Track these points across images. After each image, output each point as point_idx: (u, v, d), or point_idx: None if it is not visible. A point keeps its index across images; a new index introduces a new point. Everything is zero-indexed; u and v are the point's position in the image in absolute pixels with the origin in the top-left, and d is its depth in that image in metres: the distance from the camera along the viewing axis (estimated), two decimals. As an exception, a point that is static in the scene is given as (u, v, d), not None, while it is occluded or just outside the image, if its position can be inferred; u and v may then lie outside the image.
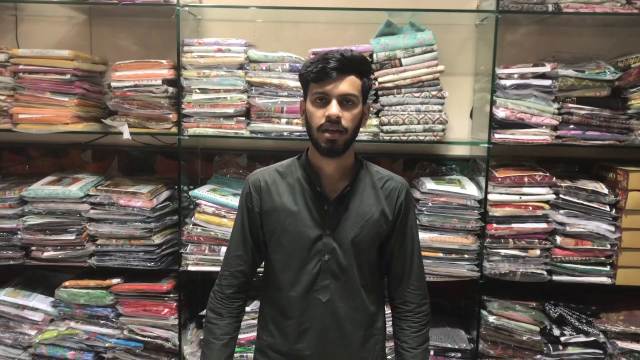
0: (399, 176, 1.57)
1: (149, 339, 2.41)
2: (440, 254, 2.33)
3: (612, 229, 2.29)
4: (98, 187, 2.44)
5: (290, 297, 1.49)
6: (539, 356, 2.33)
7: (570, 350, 2.32)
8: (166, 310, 2.39)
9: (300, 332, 1.50)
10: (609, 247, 2.30)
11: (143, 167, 2.76)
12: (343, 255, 1.47)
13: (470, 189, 2.36)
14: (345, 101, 1.40)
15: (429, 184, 2.37)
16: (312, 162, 1.50)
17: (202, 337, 2.41)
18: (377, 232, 1.50)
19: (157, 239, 2.39)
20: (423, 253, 2.24)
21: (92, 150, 2.76)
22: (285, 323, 1.51)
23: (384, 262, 1.56)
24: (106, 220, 2.40)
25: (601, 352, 2.32)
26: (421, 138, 2.35)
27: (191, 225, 2.39)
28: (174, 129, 2.40)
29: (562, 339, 2.31)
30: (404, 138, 2.35)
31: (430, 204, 2.33)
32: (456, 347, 2.38)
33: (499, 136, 2.33)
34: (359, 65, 1.42)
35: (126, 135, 2.38)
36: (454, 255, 2.33)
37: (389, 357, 1.64)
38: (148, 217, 2.38)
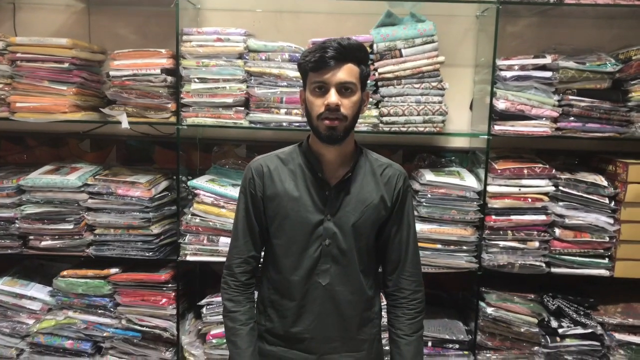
0: (397, 164, 1.59)
1: (147, 329, 2.41)
2: (439, 246, 2.33)
3: (611, 221, 2.30)
4: (96, 177, 2.43)
5: (291, 281, 1.51)
6: (536, 348, 2.34)
7: (568, 342, 2.33)
8: (164, 300, 2.39)
9: (300, 316, 1.52)
10: (607, 239, 2.30)
11: (142, 157, 2.75)
12: (343, 239, 1.49)
13: (470, 180, 2.36)
14: (343, 89, 1.41)
15: (428, 176, 2.37)
16: (313, 149, 1.51)
17: (199, 327, 2.44)
18: (377, 217, 1.52)
19: (156, 229, 2.39)
20: (422, 244, 2.27)
21: (91, 139, 2.75)
22: (285, 307, 1.53)
23: (380, 249, 1.57)
24: (104, 210, 2.39)
25: (598, 344, 2.32)
26: (421, 129, 2.34)
27: (190, 216, 2.38)
28: (173, 119, 2.39)
29: (560, 330, 2.32)
30: (403, 129, 2.34)
31: (429, 196, 2.33)
32: (454, 338, 2.38)
33: (498, 128, 2.32)
34: (356, 52, 1.43)
35: (125, 124, 2.37)
36: (452, 247, 2.33)
37: (385, 348, 1.65)
38: (146, 207, 2.37)
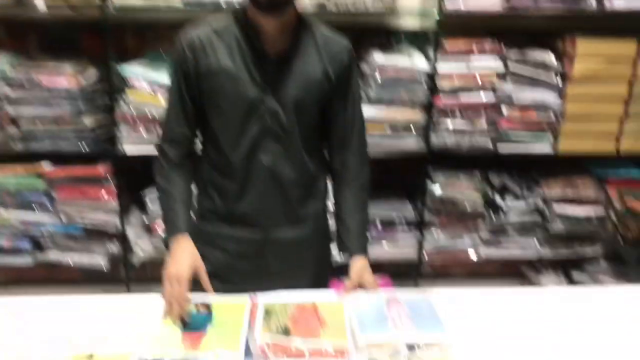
0: (343, 38, 1.47)
1: (89, 225, 2.34)
2: (388, 129, 2.29)
3: (558, 98, 2.30)
4: (16, 66, 2.20)
5: (231, 161, 1.43)
6: (481, 224, 2.42)
7: (512, 216, 2.41)
8: (105, 194, 2.30)
9: (242, 195, 1.47)
10: (553, 117, 2.32)
11: (66, 44, 2.50)
12: (285, 116, 1.40)
13: (420, 61, 2.28)
14: None
15: (378, 57, 2.27)
16: (251, 20, 1.36)
17: (144, 218, 2.38)
18: (320, 93, 1.43)
19: (89, 122, 2.24)
20: (370, 129, 2.21)
21: (6, 25, 2.47)
22: (227, 187, 1.47)
23: (325, 126, 1.50)
24: (28, 101, 2.20)
25: (540, 217, 2.42)
26: (370, 8, 2.21)
27: (124, 105, 2.23)
28: (98, 0, 2.15)
29: (504, 206, 2.39)
30: (352, 9, 2.21)
31: (378, 78, 2.25)
32: (402, 217, 2.43)
33: (449, 6, 2.21)
34: None
35: (41, 6, 2.13)
36: (401, 130, 2.30)
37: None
38: (76, 98, 2.20)
